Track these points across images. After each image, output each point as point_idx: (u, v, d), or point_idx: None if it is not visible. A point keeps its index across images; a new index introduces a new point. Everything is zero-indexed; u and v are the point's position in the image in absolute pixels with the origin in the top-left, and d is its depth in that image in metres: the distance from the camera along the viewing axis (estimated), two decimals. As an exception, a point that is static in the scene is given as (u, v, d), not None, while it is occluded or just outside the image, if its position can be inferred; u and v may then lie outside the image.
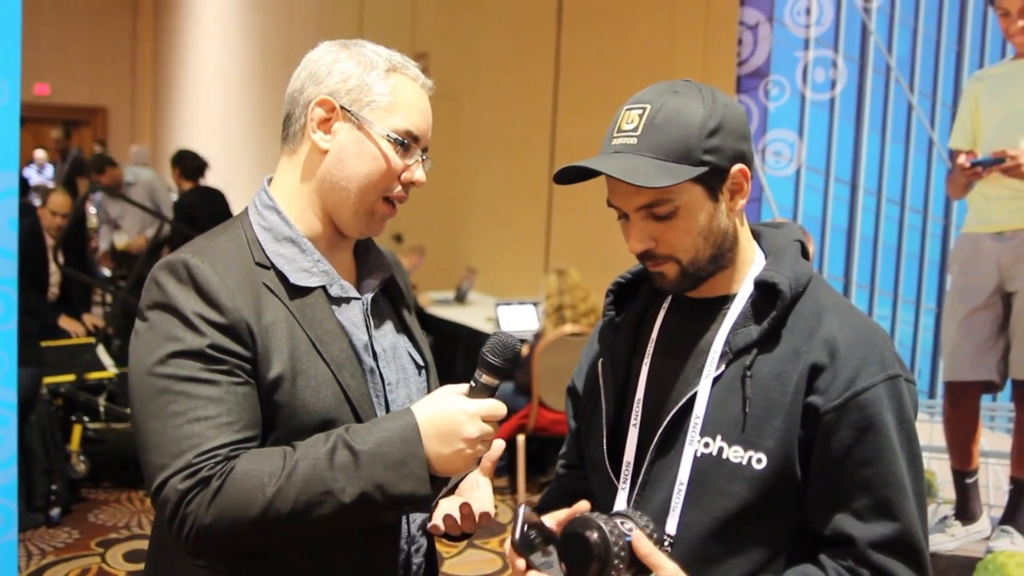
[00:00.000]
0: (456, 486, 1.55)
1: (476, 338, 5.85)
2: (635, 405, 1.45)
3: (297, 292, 1.44)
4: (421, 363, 1.61)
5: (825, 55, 2.84)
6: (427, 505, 1.35)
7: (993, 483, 2.72)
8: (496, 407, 1.37)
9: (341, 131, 1.45)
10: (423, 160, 1.49)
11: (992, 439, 2.69)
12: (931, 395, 2.80)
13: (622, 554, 1.21)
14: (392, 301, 1.61)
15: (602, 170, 1.32)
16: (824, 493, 1.32)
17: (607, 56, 6.09)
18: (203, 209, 6.95)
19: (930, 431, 2.77)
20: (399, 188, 1.47)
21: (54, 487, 4.61)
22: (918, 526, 1.31)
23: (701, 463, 1.35)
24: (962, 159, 2.66)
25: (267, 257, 1.45)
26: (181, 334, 1.34)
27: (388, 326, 1.57)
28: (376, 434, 1.34)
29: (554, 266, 5.56)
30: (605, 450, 1.47)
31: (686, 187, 1.33)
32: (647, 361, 1.46)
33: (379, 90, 1.44)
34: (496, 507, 5.19)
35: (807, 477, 1.33)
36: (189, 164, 7.39)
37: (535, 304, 5.93)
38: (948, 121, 2.77)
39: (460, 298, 6.93)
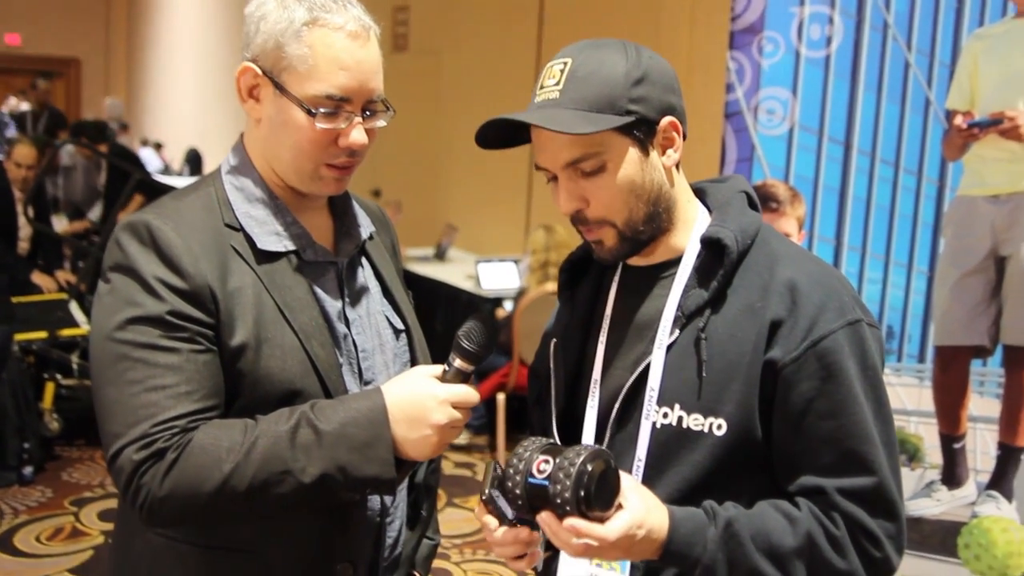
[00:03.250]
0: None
1: (455, 296, 5.80)
2: (592, 385, 1.40)
3: (266, 257, 1.36)
4: (400, 327, 1.53)
5: (821, 11, 2.75)
6: (391, 488, 1.29)
7: (980, 448, 2.68)
8: (467, 394, 1.31)
9: (267, 99, 1.36)
10: (369, 116, 1.37)
11: (981, 404, 2.65)
12: (921, 359, 2.76)
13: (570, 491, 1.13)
14: (373, 262, 1.53)
15: (522, 119, 1.27)
16: (789, 450, 1.28)
17: (592, 9, 5.96)
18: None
19: (919, 395, 2.72)
20: (340, 155, 1.36)
21: (27, 445, 4.55)
22: (889, 477, 1.26)
23: (660, 435, 1.30)
24: (959, 120, 2.59)
25: (237, 219, 1.37)
26: (141, 299, 1.27)
27: (366, 290, 1.50)
28: (342, 414, 1.27)
29: (535, 224, 5.48)
30: (556, 435, 1.41)
31: (614, 140, 1.28)
32: (602, 339, 1.41)
33: (294, 52, 1.32)
34: (475, 465, 5.10)
35: (769, 437, 1.28)
36: (94, 132, 7.28)
37: (516, 262, 5.87)
38: (946, 81, 2.70)
39: (440, 255, 6.85)
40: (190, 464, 1.23)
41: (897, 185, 2.68)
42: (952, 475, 2.73)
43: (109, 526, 4.10)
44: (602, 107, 1.27)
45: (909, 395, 2.63)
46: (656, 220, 1.34)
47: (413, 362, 1.54)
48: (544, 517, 1.14)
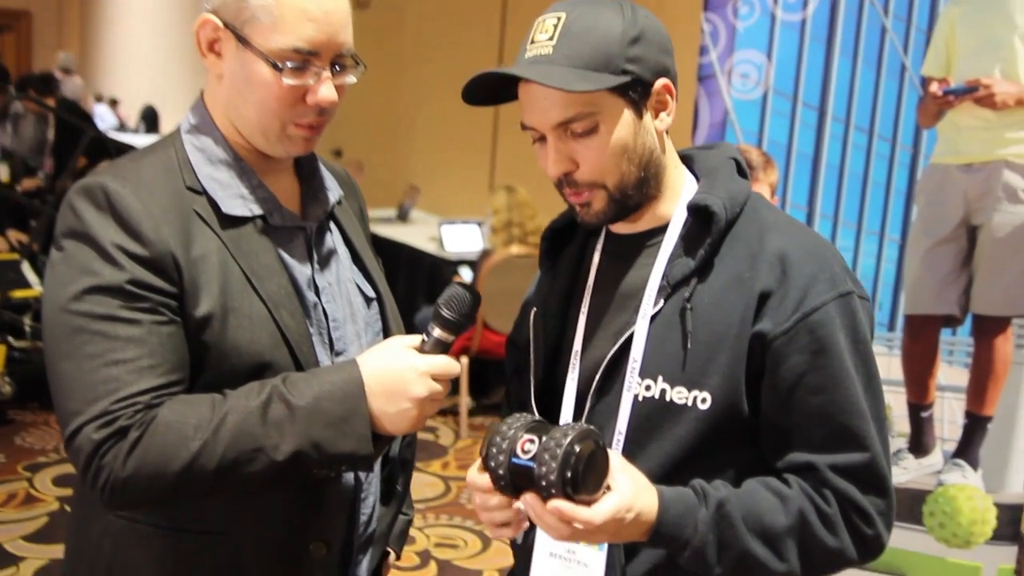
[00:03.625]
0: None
1: (418, 258, 5.73)
2: (572, 356, 1.36)
3: (231, 222, 1.30)
4: (371, 295, 1.48)
5: (798, -28, 2.70)
6: (368, 464, 1.25)
7: (948, 417, 2.70)
8: (448, 365, 1.26)
9: (228, 54, 1.28)
10: (338, 71, 1.30)
11: (949, 373, 2.66)
12: (891, 328, 2.75)
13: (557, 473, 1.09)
14: (342, 227, 1.47)
15: (517, 74, 1.22)
16: (778, 426, 1.25)
17: (559, -32, 5.84)
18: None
19: (888, 364, 2.72)
20: (309, 114, 1.29)
21: (-23, 409, 4.44)
22: (881, 452, 1.24)
23: (642, 408, 1.27)
24: (934, 87, 2.57)
25: (199, 181, 1.30)
26: (98, 268, 1.19)
27: (335, 257, 1.43)
28: (316, 387, 1.22)
29: (499, 185, 5.41)
30: (534, 407, 1.37)
31: (608, 100, 1.23)
32: (584, 308, 1.37)
33: (258, 2, 1.24)
34: (437, 429, 5.06)
35: (756, 412, 1.25)
36: (40, 84, 7.04)
37: (480, 224, 5.81)
38: (922, 47, 2.67)
39: (402, 216, 6.76)
40: (155, 443, 1.17)
41: (871, 152, 2.65)
42: (919, 443, 2.74)
43: (64, 491, 4.02)
44: (598, 65, 1.22)
45: (879, 363, 2.62)
46: (645, 186, 1.30)
47: (386, 331, 1.49)
48: (528, 499, 1.09)
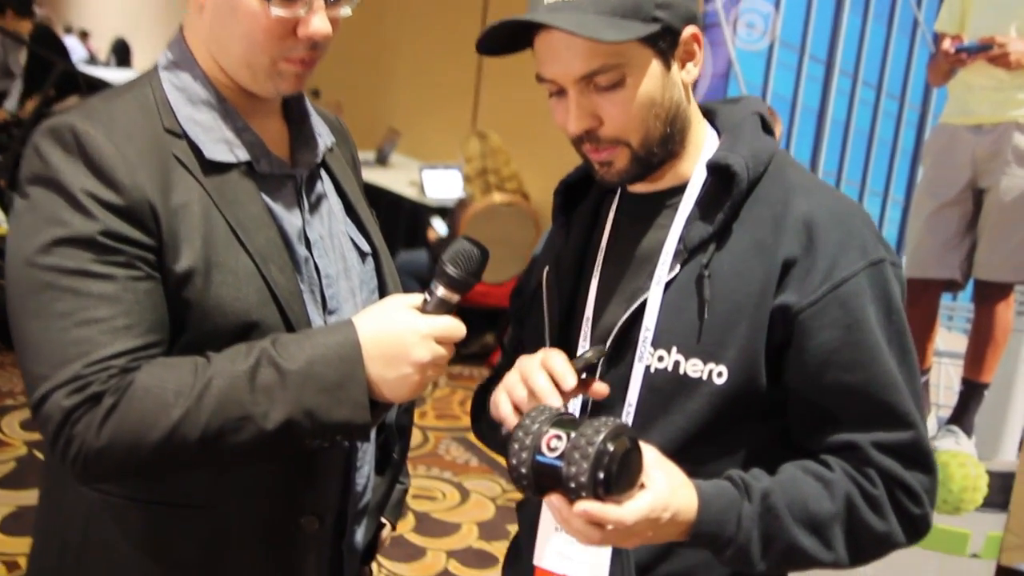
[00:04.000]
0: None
1: (397, 203, 5.62)
2: (584, 323, 1.27)
3: (215, 168, 1.19)
4: (366, 249, 1.38)
5: (810, -83, 2.59)
6: (364, 434, 1.16)
7: (944, 383, 2.65)
8: (454, 327, 1.16)
9: None
10: (331, 2, 1.19)
11: (948, 339, 2.61)
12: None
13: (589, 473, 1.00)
14: (334, 177, 1.36)
15: (546, 22, 1.12)
16: (811, 405, 1.17)
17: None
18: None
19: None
20: (299, 48, 1.18)
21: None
22: (923, 429, 1.17)
23: (655, 380, 1.19)
24: (947, 44, 2.47)
25: (179, 123, 1.19)
26: (68, 217, 1.08)
27: (328, 208, 1.33)
28: (309, 350, 1.12)
29: (471, 132, 5.30)
30: None
31: (635, 51, 1.15)
32: (596, 271, 1.29)
33: None
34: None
35: (774, 387, 1.17)
36: (17, 4, 6.69)
37: (461, 169, 5.70)
38: (936, 2, 2.57)
39: (381, 160, 6.62)
40: (132, 410, 1.07)
41: (878, 109, 2.57)
42: (912, 409, 2.69)
43: (33, 436, 3.92)
44: (627, 12, 1.12)
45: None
46: (670, 142, 1.21)
47: (382, 289, 1.39)
48: (554, 500, 0.99)
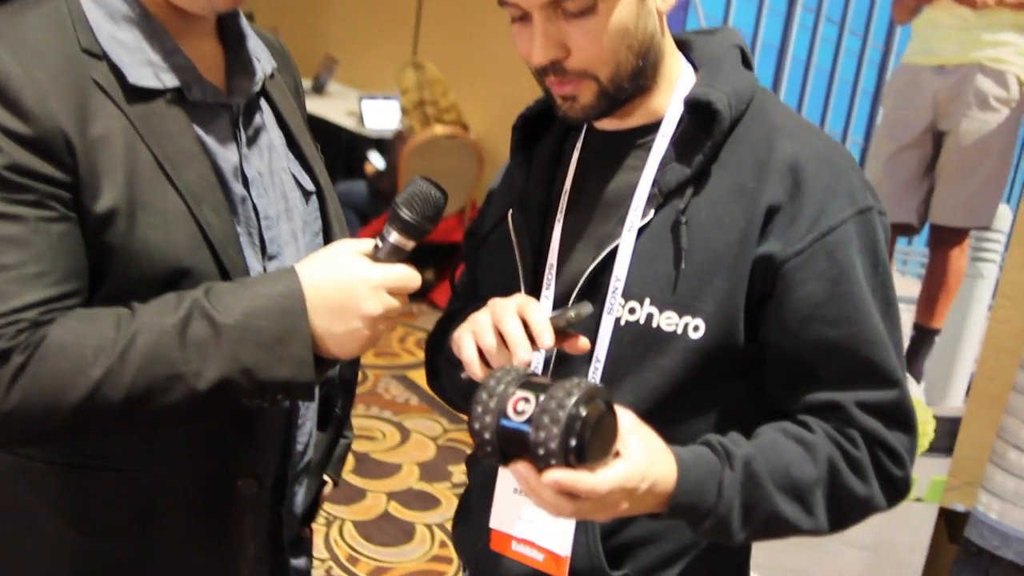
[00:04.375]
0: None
1: (335, 134, 5.43)
2: (547, 270, 1.18)
3: (140, 95, 1.05)
4: (310, 188, 1.26)
5: None
6: (308, 393, 1.05)
7: (894, 329, 2.62)
8: (408, 277, 1.06)
9: None
10: None
11: (901, 284, 2.57)
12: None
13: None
14: (275, 107, 1.24)
15: None
16: (790, 364, 1.10)
17: None
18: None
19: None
20: None
21: None
22: (907, 388, 1.11)
23: (625, 334, 1.11)
24: (913, -22, 2.39)
25: (98, 43, 1.04)
26: None
27: (267, 141, 1.21)
28: (246, 301, 1.01)
29: (406, 63, 5.13)
30: None
31: None
32: (560, 215, 1.19)
33: None
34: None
35: (751, 343, 1.10)
36: None
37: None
38: (903, -67, 2.48)
39: (318, 89, 6.39)
40: (45, 369, 0.95)
41: (840, 47, 2.48)
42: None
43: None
44: None
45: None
46: (641, 77, 1.11)
47: (327, 233, 1.27)
48: (520, 469, 0.90)
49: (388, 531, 3.20)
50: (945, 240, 2.49)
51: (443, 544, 3.15)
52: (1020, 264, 2.49)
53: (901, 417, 1.10)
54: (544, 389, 0.90)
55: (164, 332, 0.98)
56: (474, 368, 1.06)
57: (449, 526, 3.31)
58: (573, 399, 0.87)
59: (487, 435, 0.91)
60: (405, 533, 3.20)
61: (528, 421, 0.88)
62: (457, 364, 1.12)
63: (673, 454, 1.00)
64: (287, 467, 1.24)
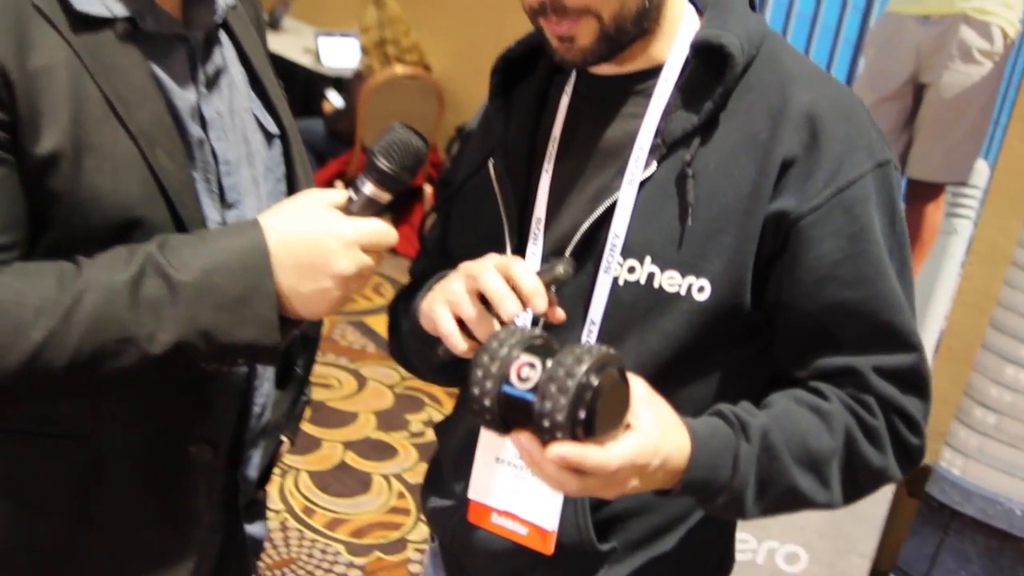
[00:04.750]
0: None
1: (290, 72, 5.25)
2: (534, 224, 1.10)
3: (87, 24, 0.94)
4: (274, 131, 1.16)
5: None
6: (272, 357, 0.97)
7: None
8: (384, 233, 0.97)
9: None
10: None
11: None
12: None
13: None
14: (237, 42, 1.13)
15: None
16: (803, 327, 1.04)
17: None
18: None
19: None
20: None
21: None
22: (924, 351, 1.06)
23: (624, 294, 1.03)
24: (900, -78, 2.32)
25: None
26: None
27: (228, 80, 1.10)
28: (205, 257, 0.92)
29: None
30: None
31: None
32: (549, 165, 1.11)
33: None
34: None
35: (758, 305, 1.04)
36: None
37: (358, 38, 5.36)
38: None
39: (273, 24, 6.17)
40: None
41: (823, -8, 2.41)
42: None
43: None
44: None
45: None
46: (646, 19, 1.03)
47: (291, 180, 1.18)
48: (522, 440, 0.82)
49: (344, 482, 3.13)
50: (921, 195, 2.46)
51: (401, 495, 3.10)
52: (994, 222, 2.47)
53: (918, 382, 1.05)
54: (551, 354, 0.82)
55: (113, 290, 0.89)
56: (455, 341, 0.98)
57: (407, 476, 3.28)
58: (584, 366, 0.79)
59: (487, 402, 0.82)
60: (362, 484, 3.14)
61: (533, 389, 0.80)
62: (429, 340, 1.04)
63: (687, 427, 0.93)
64: (243, 430, 1.16)
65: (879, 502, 2.59)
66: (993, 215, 2.46)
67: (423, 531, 2.90)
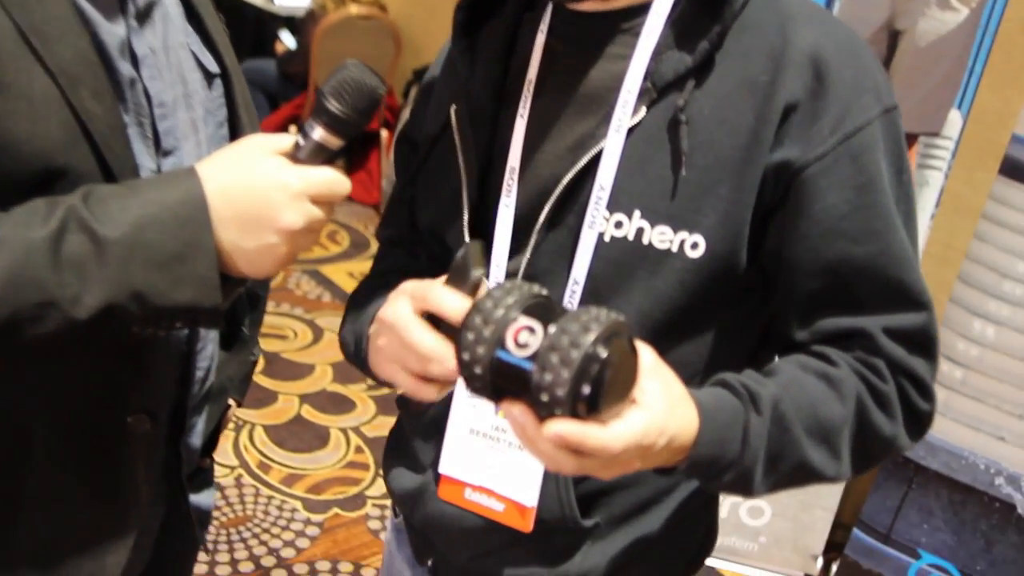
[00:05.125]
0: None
1: (239, 8, 5.05)
2: (507, 174, 1.01)
3: None
4: (214, 69, 1.06)
5: None
6: (214, 319, 0.88)
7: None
8: (335, 182, 0.89)
9: None
10: None
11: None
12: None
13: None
14: None
15: None
16: (806, 286, 0.96)
17: None
18: None
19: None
20: None
21: None
22: (934, 310, 0.99)
23: (610, 251, 0.95)
24: None
25: None
26: None
27: (162, 12, 1.00)
28: (136, 209, 0.83)
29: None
30: (467, 237, 1.02)
31: None
32: (523, 110, 1.01)
33: None
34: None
35: (755, 261, 0.96)
36: None
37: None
38: None
39: (223, -41, 5.95)
40: None
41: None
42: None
43: None
44: None
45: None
46: None
47: (233, 125, 1.08)
48: (515, 413, 0.73)
49: (301, 436, 3.06)
50: (892, 146, 2.39)
51: (359, 449, 3.03)
52: (962, 174, 2.42)
53: (927, 343, 0.98)
54: (554, 318, 0.73)
55: (31, 248, 0.79)
56: (425, 394, 0.89)
57: (366, 430, 3.21)
58: (591, 336, 0.70)
59: (478, 369, 0.73)
60: (319, 438, 3.06)
61: (532, 357, 0.71)
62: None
63: (694, 400, 0.85)
64: (185, 397, 1.07)
65: (842, 456, 2.57)
66: (962, 167, 2.41)
67: (382, 487, 2.84)
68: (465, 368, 0.75)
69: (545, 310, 0.74)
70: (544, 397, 0.71)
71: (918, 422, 0.99)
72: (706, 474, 0.88)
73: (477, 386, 0.75)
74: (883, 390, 0.95)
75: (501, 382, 0.74)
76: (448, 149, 1.05)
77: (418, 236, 1.15)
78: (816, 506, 2.61)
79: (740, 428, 0.87)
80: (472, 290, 0.86)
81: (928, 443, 2.43)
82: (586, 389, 0.70)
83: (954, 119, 2.33)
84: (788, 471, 0.92)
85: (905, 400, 0.97)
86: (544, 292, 0.77)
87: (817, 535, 2.62)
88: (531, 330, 0.72)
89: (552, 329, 0.71)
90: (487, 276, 0.99)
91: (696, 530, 1.13)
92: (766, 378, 0.93)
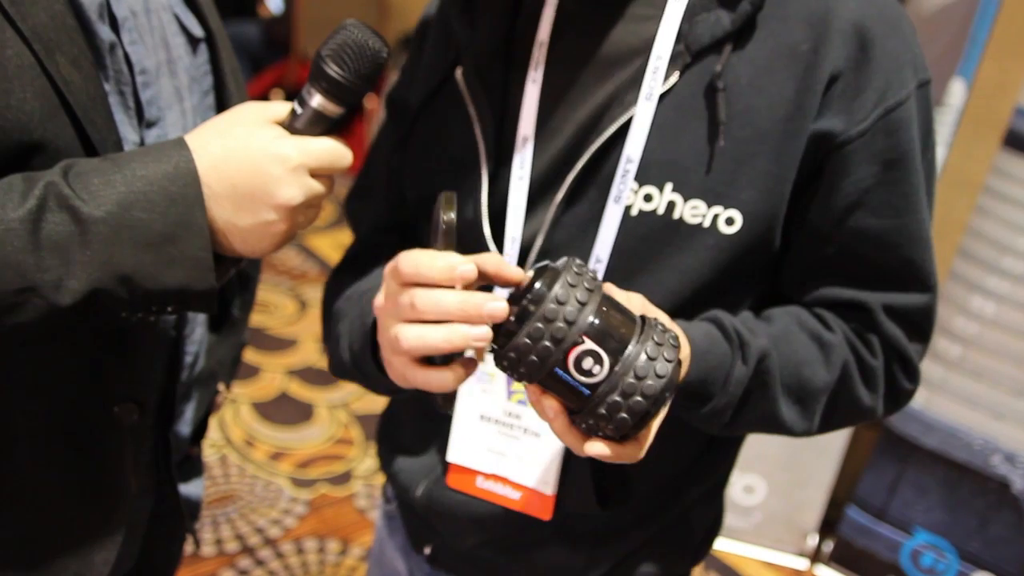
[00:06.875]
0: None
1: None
2: (520, 144, 0.93)
3: None
4: (199, 33, 0.99)
5: None
6: (207, 303, 0.82)
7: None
8: (336, 153, 0.82)
9: None
10: None
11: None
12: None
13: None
14: None
15: None
16: (818, 255, 0.92)
17: None
18: None
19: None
20: None
21: None
22: (937, 294, 0.97)
23: (638, 226, 0.89)
24: None
25: None
26: None
27: None
28: (122, 186, 0.76)
29: None
30: (485, 211, 0.95)
31: None
32: (536, 75, 0.93)
33: None
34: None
35: (786, 234, 0.92)
36: None
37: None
38: None
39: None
40: None
41: None
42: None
43: None
44: None
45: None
46: None
47: (220, 93, 1.01)
48: (548, 410, 0.73)
49: (286, 411, 3.00)
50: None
51: (345, 425, 2.98)
52: (964, 147, 2.37)
53: (924, 326, 0.96)
54: (621, 348, 0.70)
55: (8, 229, 0.73)
56: (450, 384, 0.79)
57: (353, 406, 3.16)
58: (661, 384, 0.70)
59: (523, 368, 0.71)
60: (304, 413, 3.01)
61: (592, 388, 0.70)
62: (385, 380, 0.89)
63: (686, 336, 0.86)
64: (174, 384, 1.01)
65: (838, 433, 2.54)
66: (963, 139, 2.36)
67: (369, 464, 2.79)
68: (514, 349, 0.71)
69: (610, 334, 0.70)
70: (591, 421, 0.70)
71: (896, 399, 0.99)
72: (680, 405, 0.88)
73: (519, 373, 0.72)
74: (871, 365, 0.94)
75: (547, 383, 0.72)
76: (448, 109, 0.98)
77: (404, 222, 1.08)
78: (811, 484, 2.58)
79: (724, 372, 0.88)
80: (444, 236, 0.79)
81: (924, 421, 2.40)
82: (636, 430, 0.71)
83: (956, 88, 2.28)
84: (755, 419, 0.93)
85: (890, 377, 0.96)
86: (610, 301, 0.73)
87: (811, 513, 2.60)
88: (596, 358, 0.70)
89: (618, 367, 0.70)
90: (500, 250, 0.94)
91: (707, 515, 1.10)
92: (760, 325, 0.92)
